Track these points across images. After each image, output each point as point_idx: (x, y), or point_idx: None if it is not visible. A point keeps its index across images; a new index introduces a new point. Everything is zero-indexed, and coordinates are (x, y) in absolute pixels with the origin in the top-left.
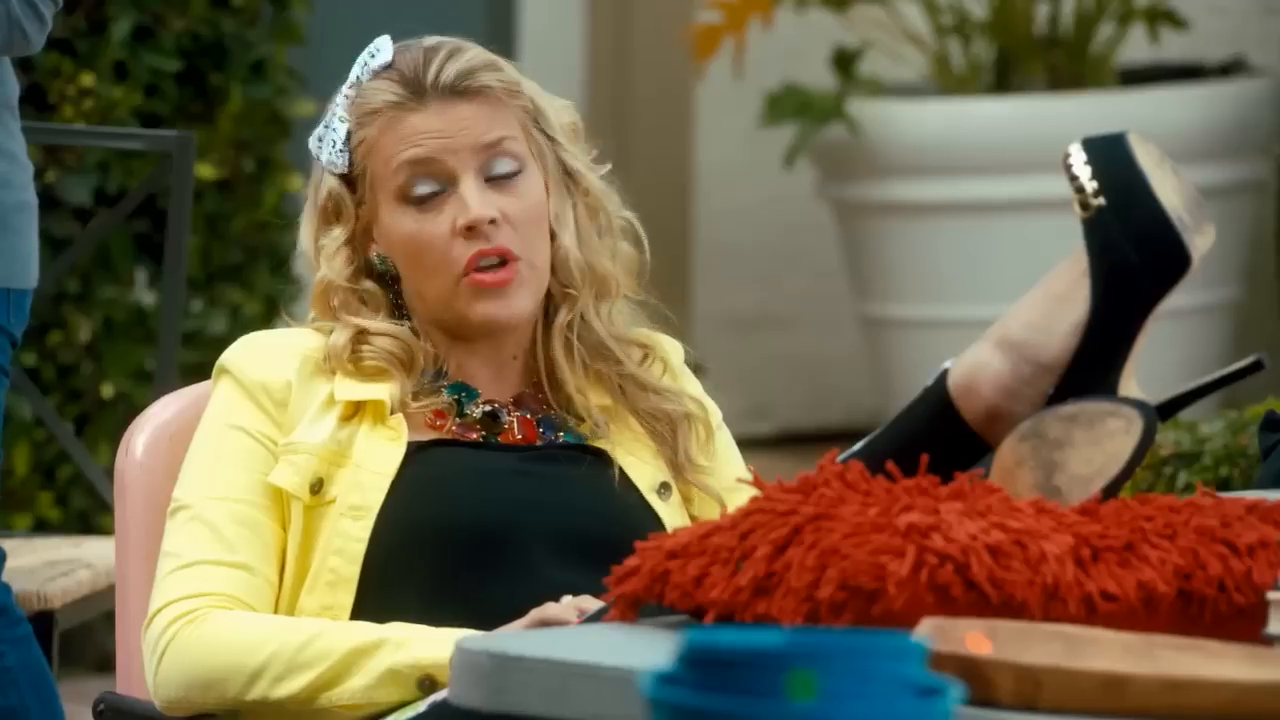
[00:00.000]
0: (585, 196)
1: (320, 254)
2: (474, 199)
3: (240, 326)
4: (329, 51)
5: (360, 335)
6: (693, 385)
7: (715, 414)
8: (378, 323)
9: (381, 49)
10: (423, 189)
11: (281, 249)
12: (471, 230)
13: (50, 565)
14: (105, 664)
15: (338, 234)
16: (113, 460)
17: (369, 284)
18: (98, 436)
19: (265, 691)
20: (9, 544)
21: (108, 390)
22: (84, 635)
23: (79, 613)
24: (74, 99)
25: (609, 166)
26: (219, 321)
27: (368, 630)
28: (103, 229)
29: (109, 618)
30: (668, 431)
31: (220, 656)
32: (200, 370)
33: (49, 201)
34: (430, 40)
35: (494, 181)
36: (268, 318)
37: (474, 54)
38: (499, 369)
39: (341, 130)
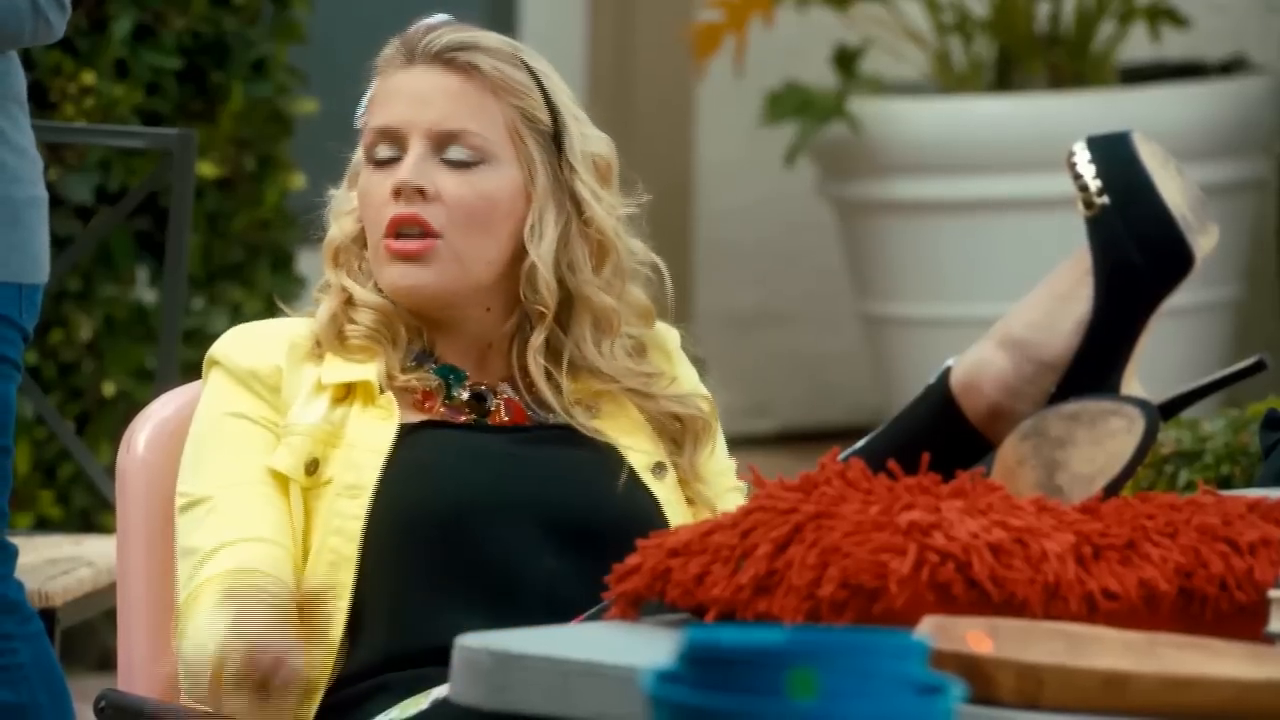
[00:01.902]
0: (587, 227)
1: (333, 212)
2: (408, 165)
3: (241, 324)
4: (330, 50)
5: (346, 306)
6: (689, 371)
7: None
8: (363, 291)
9: (430, 18)
10: (382, 153)
11: (283, 247)
12: (398, 194)
13: (51, 563)
14: (106, 662)
15: (355, 196)
16: (114, 458)
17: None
18: (99, 435)
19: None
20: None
21: (109, 388)
22: (85, 633)
23: (80, 611)
24: (75, 97)
25: (635, 209)
26: (220, 320)
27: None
28: (104, 227)
29: (110, 616)
30: (676, 432)
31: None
32: (201, 368)
33: (50, 200)
34: (471, 27)
35: (447, 162)
36: (268, 315)
37: (485, 37)
38: (479, 357)
39: (372, 89)
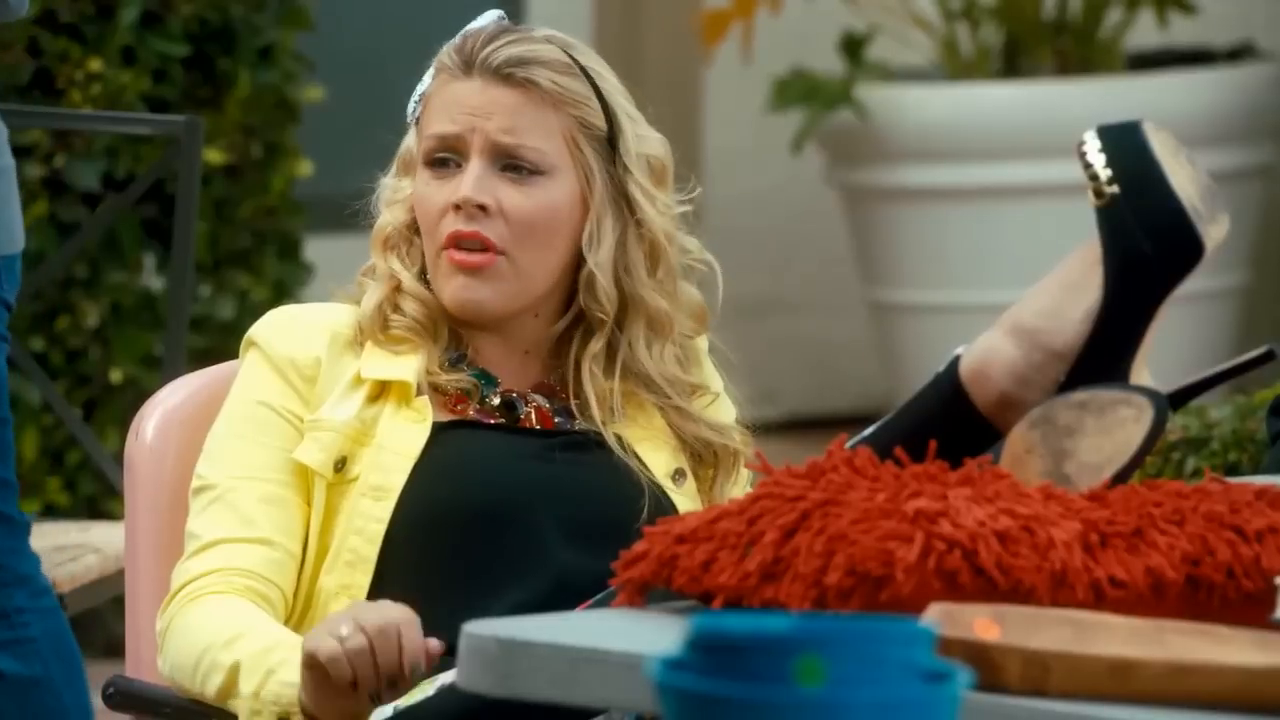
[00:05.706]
0: (639, 228)
1: (383, 200)
2: (470, 181)
3: (248, 312)
4: (337, 37)
5: (394, 294)
6: (717, 380)
7: (732, 410)
8: (412, 281)
9: (484, 17)
10: (440, 157)
11: (290, 234)
12: (459, 209)
13: (58, 550)
14: (113, 649)
15: (406, 185)
16: (121, 445)
17: (419, 239)
18: (106, 422)
19: (201, 689)
20: None
21: (116, 375)
22: (92, 620)
23: (87, 598)
24: (82, 84)
25: (689, 208)
26: (227, 307)
27: (263, 639)
28: (111, 214)
29: (117, 602)
30: (709, 459)
31: (187, 642)
32: (208, 355)
33: (57, 186)
34: (533, 28)
35: (507, 172)
36: (275, 302)
37: (542, 49)
38: (515, 362)
39: (426, 81)
